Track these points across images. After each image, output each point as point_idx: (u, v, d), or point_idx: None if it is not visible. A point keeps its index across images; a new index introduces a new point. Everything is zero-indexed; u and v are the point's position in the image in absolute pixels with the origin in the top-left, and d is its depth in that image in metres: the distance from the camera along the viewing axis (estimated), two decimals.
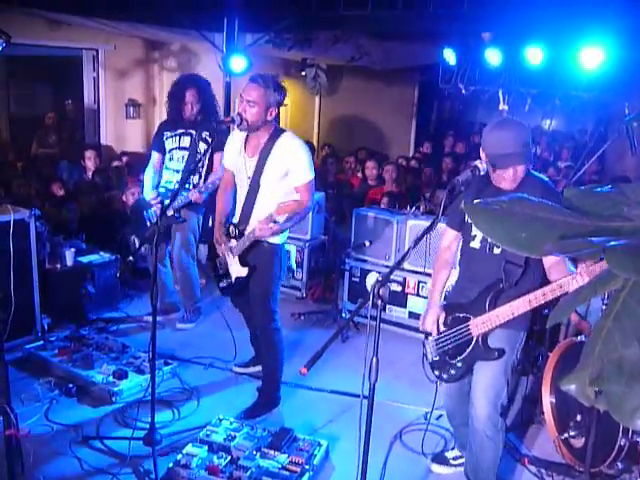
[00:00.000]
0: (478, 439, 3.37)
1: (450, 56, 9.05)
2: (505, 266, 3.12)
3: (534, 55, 8.06)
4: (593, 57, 7.52)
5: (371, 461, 2.66)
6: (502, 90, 9.10)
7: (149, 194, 5.48)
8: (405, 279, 5.80)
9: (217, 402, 4.56)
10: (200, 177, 5.37)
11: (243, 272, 4.18)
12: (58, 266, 5.70)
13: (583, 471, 3.59)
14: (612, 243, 1.10)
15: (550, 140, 12.11)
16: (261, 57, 9.34)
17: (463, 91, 9.30)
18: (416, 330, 3.63)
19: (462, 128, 13.86)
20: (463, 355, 3.30)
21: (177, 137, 5.45)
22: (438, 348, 3.40)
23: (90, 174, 8.24)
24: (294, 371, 4.33)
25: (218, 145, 5.01)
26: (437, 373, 3.44)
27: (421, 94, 13.89)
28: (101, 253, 6.09)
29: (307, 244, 6.62)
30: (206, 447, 3.80)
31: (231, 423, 4.06)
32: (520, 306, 3.01)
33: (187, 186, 5.34)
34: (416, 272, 5.72)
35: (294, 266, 6.66)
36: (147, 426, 3.90)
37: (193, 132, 5.41)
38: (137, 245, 5.69)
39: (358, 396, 2.56)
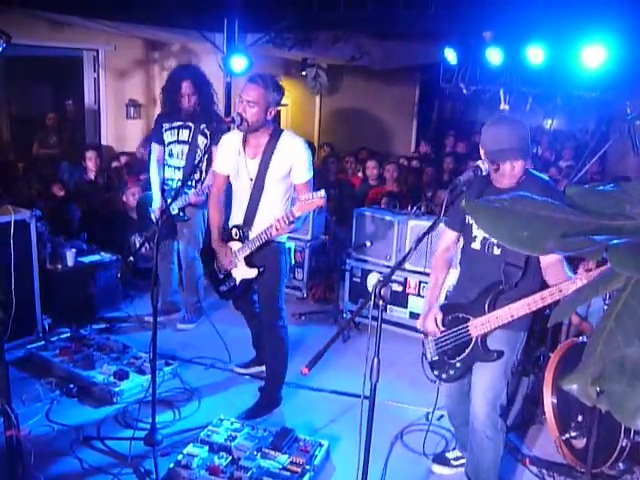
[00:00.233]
0: (478, 439, 3.37)
1: (451, 55, 9.04)
2: (505, 268, 3.11)
3: (535, 54, 8.04)
4: (595, 56, 7.51)
5: (372, 461, 2.65)
6: (503, 89, 9.08)
7: (157, 201, 5.47)
8: (406, 279, 5.79)
9: (218, 402, 4.56)
10: (201, 173, 5.36)
11: (250, 273, 4.17)
12: (59, 266, 5.70)
13: (584, 472, 3.58)
14: (614, 241, 1.10)
15: (552, 140, 12.11)
16: (261, 57, 9.33)
17: (464, 90, 9.29)
18: (417, 330, 3.61)
19: (463, 128, 13.86)
20: (462, 356, 3.30)
21: (175, 130, 5.43)
22: (437, 348, 3.40)
23: (91, 174, 8.24)
24: (295, 371, 4.32)
25: (218, 140, 5.03)
26: (436, 373, 3.44)
27: (422, 94, 13.88)
28: (102, 253, 6.09)
29: (308, 244, 6.62)
30: (207, 447, 3.79)
31: (232, 423, 4.06)
32: (519, 309, 3.01)
33: (189, 183, 5.33)
34: (417, 272, 5.71)
35: (292, 262, 6.65)
36: (148, 426, 3.90)
37: (191, 125, 5.38)
38: (137, 245, 5.68)
39: (359, 396, 2.55)
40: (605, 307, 3.99)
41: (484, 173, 3.00)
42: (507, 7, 7.10)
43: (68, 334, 5.29)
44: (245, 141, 4.09)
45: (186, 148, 5.39)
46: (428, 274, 3.77)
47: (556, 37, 7.76)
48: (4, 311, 3.16)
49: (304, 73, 11.56)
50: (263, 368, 4.62)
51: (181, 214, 5.35)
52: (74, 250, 5.81)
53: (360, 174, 9.56)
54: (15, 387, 3.63)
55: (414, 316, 5.63)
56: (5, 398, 3.14)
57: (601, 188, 1.30)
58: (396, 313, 5.86)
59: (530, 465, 3.94)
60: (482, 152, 3.10)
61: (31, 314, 5.21)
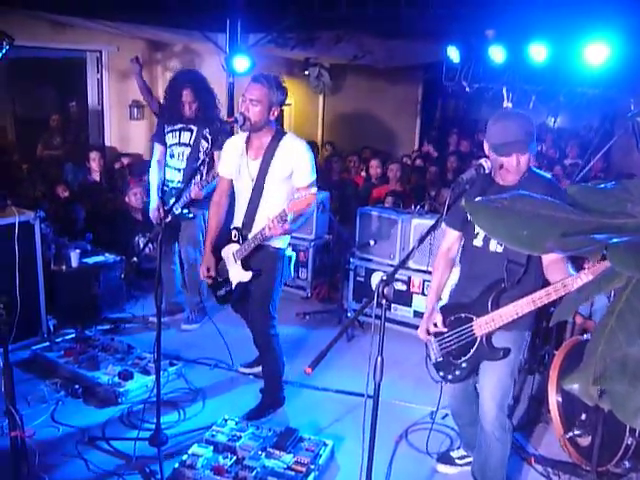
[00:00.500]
0: (487, 440, 3.36)
1: (454, 54, 9.03)
2: (507, 265, 3.10)
3: (538, 52, 8.02)
4: (598, 53, 7.48)
5: (376, 461, 2.65)
6: (506, 87, 9.07)
7: (154, 201, 5.47)
8: (410, 278, 5.79)
9: (222, 402, 4.56)
10: (202, 176, 5.37)
11: (246, 277, 4.15)
12: (63, 267, 5.71)
13: (590, 470, 3.58)
14: (615, 240, 1.09)
15: (555, 137, 12.07)
16: (264, 57, 9.33)
17: (467, 89, 9.28)
18: None
19: (466, 126, 13.82)
20: (467, 356, 3.29)
21: (177, 132, 5.43)
22: (442, 349, 3.39)
23: (94, 175, 8.25)
24: (299, 371, 4.33)
25: (218, 142, 5.04)
26: (442, 374, 3.43)
27: (425, 92, 13.85)
28: (106, 254, 6.10)
29: (312, 244, 6.62)
30: (211, 447, 3.80)
31: (236, 423, 4.07)
32: (524, 306, 3.00)
33: (191, 187, 5.34)
34: (421, 271, 5.71)
35: (292, 273, 6.64)
36: (153, 427, 3.91)
37: (194, 128, 5.39)
38: (141, 246, 5.69)
39: (363, 396, 2.55)
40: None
41: (487, 171, 2.99)
42: (509, 5, 7.09)
43: (73, 335, 5.31)
44: (248, 142, 4.09)
45: (187, 150, 5.40)
46: (431, 273, 3.77)
47: (559, 35, 7.74)
48: (9, 312, 3.16)
49: (307, 73, 11.56)
50: None
51: (184, 212, 5.36)
52: (78, 251, 5.82)
53: (363, 173, 9.55)
54: (20, 388, 3.65)
55: (418, 315, 5.62)
56: (10, 399, 3.15)
57: (602, 186, 1.29)
58: (400, 312, 5.86)
59: (535, 464, 3.94)
60: (486, 146, 3.09)
61: (36, 315, 5.22)
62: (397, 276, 3.04)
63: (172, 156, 5.47)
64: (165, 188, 5.52)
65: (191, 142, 5.39)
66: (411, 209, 6.10)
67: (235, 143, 4.16)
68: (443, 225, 3.42)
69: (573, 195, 1.27)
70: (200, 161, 5.27)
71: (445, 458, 3.95)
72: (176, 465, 3.63)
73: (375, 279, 5.99)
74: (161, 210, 5.42)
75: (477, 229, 3.28)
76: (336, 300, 6.35)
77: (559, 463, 3.93)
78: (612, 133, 8.25)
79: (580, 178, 5.25)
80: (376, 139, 12.58)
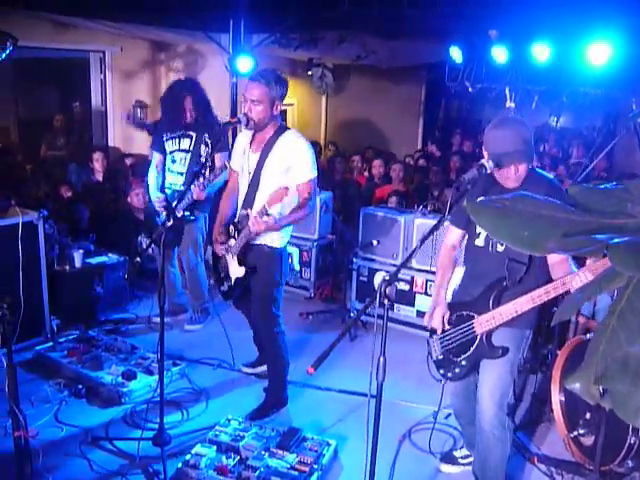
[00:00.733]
0: (485, 439, 3.36)
1: (456, 54, 9.03)
2: (508, 264, 3.11)
3: (541, 52, 8.03)
4: (600, 53, 7.49)
5: (379, 460, 2.66)
6: (509, 88, 9.08)
7: (155, 196, 5.49)
8: (413, 278, 5.79)
9: (226, 402, 4.57)
10: (204, 178, 5.36)
11: (240, 272, 4.16)
12: (67, 268, 5.72)
13: (593, 469, 3.58)
14: (615, 240, 1.10)
15: (558, 137, 12.07)
16: (267, 57, 9.34)
17: (470, 89, 9.28)
18: (424, 329, 3.62)
19: (470, 126, 13.82)
20: (467, 353, 3.29)
21: (177, 139, 5.45)
22: (442, 347, 3.40)
23: (98, 176, 8.26)
24: (302, 371, 4.32)
25: (218, 146, 5.05)
26: (442, 372, 3.44)
27: (428, 92, 13.85)
28: (109, 254, 6.11)
29: (315, 244, 6.62)
30: (215, 447, 3.80)
31: (240, 423, 4.07)
32: (524, 304, 3.01)
33: (192, 187, 5.34)
34: (424, 271, 5.71)
35: (297, 267, 6.67)
36: (156, 427, 3.91)
37: (193, 134, 5.40)
38: (144, 246, 5.70)
39: (366, 395, 2.55)
40: None
41: (488, 171, 2.99)
42: (512, 5, 7.09)
43: (76, 335, 5.32)
44: (253, 137, 4.11)
45: (188, 156, 5.41)
46: (435, 272, 3.78)
47: (561, 35, 7.74)
48: (12, 313, 3.17)
49: (310, 73, 11.56)
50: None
51: (186, 214, 5.36)
52: (81, 251, 5.83)
53: (366, 173, 9.56)
54: (24, 388, 3.66)
55: (421, 314, 5.60)
56: (14, 399, 3.16)
57: (603, 187, 1.29)
58: (403, 312, 5.86)
59: (538, 463, 3.93)
60: (485, 155, 3.09)
61: (39, 315, 5.23)
62: (400, 276, 3.05)
63: (174, 161, 5.48)
64: (167, 191, 5.52)
65: (191, 148, 5.41)
66: (414, 209, 6.11)
67: (242, 138, 4.20)
68: (446, 223, 3.43)
69: (574, 195, 1.28)
70: (201, 164, 5.28)
71: (448, 458, 3.95)
72: (179, 465, 3.63)
73: (378, 279, 5.99)
74: (163, 209, 5.42)
75: (479, 229, 3.29)
76: (339, 300, 6.35)
77: (562, 462, 3.92)
78: (615, 133, 8.25)
79: (583, 178, 5.25)
80: (379, 139, 12.59)
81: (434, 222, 2.84)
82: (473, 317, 3.24)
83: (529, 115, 8.67)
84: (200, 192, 5.21)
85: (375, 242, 5.99)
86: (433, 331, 3.43)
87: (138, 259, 4.30)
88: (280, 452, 3.77)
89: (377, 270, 6.03)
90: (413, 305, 5.82)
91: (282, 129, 4.05)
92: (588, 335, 4.21)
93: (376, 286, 5.93)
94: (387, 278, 2.48)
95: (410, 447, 4.11)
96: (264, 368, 4.75)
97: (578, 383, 1.16)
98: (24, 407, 3.31)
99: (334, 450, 3.91)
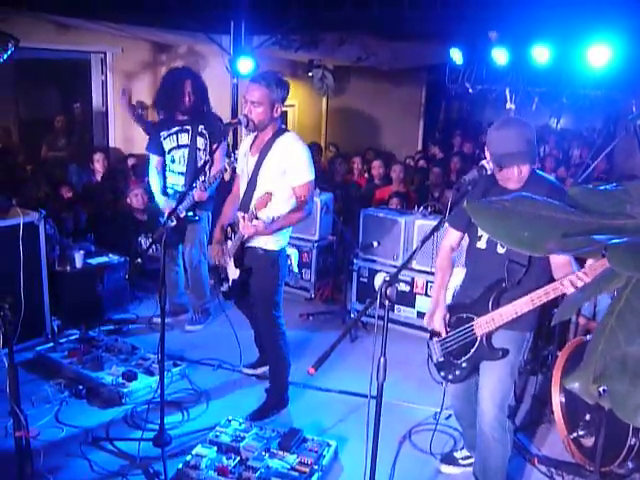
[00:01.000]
0: (486, 441, 3.36)
1: (457, 56, 9.05)
2: (508, 265, 3.11)
3: (541, 54, 8.05)
4: (600, 55, 7.51)
5: (380, 461, 2.67)
6: (509, 89, 9.09)
7: (162, 203, 5.49)
8: (413, 279, 5.80)
9: (226, 403, 4.57)
10: (205, 176, 5.37)
11: (236, 274, 4.17)
12: (68, 268, 5.73)
13: (593, 470, 3.58)
14: (614, 241, 1.10)
15: (559, 139, 12.08)
16: (268, 59, 9.35)
17: (470, 90, 9.30)
18: (425, 330, 3.62)
19: (470, 127, 13.84)
20: (468, 355, 3.30)
21: (174, 135, 5.45)
22: (443, 349, 3.40)
23: (99, 177, 8.27)
24: (303, 372, 4.32)
25: (217, 139, 5.06)
26: (443, 374, 3.44)
27: (428, 94, 13.85)
28: (110, 255, 6.12)
29: (315, 245, 6.63)
30: (215, 448, 3.81)
31: (240, 424, 4.07)
32: (523, 305, 3.01)
33: (194, 185, 5.35)
34: (424, 272, 5.72)
35: (295, 269, 6.67)
36: (157, 427, 3.92)
37: (189, 128, 5.41)
38: (145, 246, 5.71)
39: (367, 396, 2.56)
40: None
41: (489, 172, 3.00)
42: (512, 7, 7.10)
43: (77, 335, 5.32)
44: (254, 140, 4.12)
45: (186, 151, 5.42)
46: (434, 273, 3.80)
47: (561, 37, 7.76)
48: (13, 313, 3.17)
49: (310, 74, 11.56)
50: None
51: (190, 214, 5.37)
52: (82, 252, 5.84)
53: (367, 174, 9.56)
54: (24, 388, 3.66)
55: (422, 316, 5.60)
56: (15, 399, 3.16)
57: (603, 188, 1.30)
58: (404, 313, 5.87)
59: (539, 464, 3.94)
60: (488, 155, 3.09)
61: (40, 316, 5.24)
62: (400, 277, 3.05)
63: (173, 161, 5.49)
64: (169, 192, 5.53)
65: (189, 142, 5.41)
66: (414, 210, 6.12)
67: (246, 142, 4.22)
68: (446, 225, 3.43)
69: (574, 196, 1.28)
70: (202, 161, 5.29)
71: (449, 459, 3.95)
72: (180, 465, 3.64)
73: (378, 280, 5.99)
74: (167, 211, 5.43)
75: (480, 231, 3.29)
76: (339, 301, 6.36)
77: (562, 463, 3.93)
78: (615, 134, 8.25)
79: (583, 179, 5.26)
80: (379, 141, 12.60)
81: (434, 223, 2.84)
82: (473, 319, 3.25)
83: (529, 116, 8.68)
84: (202, 193, 5.22)
85: (375, 243, 6.00)
86: (434, 334, 3.44)
87: (139, 260, 4.30)
88: (280, 453, 3.78)
89: (377, 271, 6.03)
90: (413, 306, 5.83)
91: (280, 132, 4.05)
92: (588, 336, 4.21)
93: (376, 287, 5.94)
94: (388, 279, 2.49)
95: (410, 448, 4.11)
96: (265, 369, 4.76)
97: (577, 382, 1.17)
98: (25, 407, 3.31)
99: (334, 451, 3.92)
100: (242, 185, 4.19)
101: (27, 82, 11.09)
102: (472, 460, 3.80)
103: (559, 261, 3.01)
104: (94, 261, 5.96)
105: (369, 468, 2.63)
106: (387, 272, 5.83)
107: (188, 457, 3.71)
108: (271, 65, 9.37)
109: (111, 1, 7.69)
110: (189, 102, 5.37)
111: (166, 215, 5.31)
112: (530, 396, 4.66)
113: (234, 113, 8.82)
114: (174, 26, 8.67)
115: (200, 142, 5.39)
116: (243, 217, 3.91)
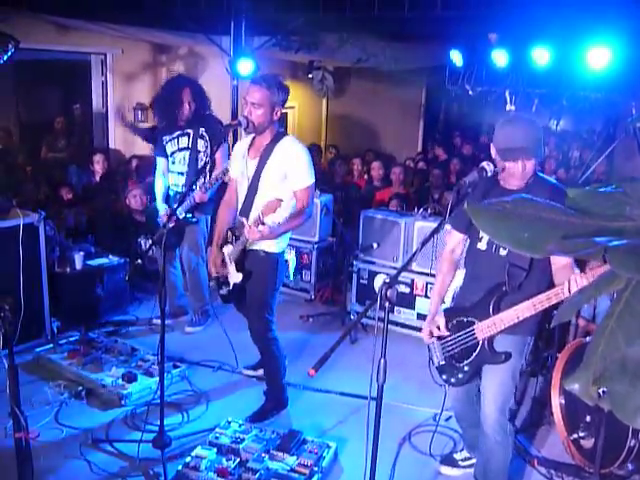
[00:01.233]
0: (488, 443, 3.36)
1: (457, 57, 9.05)
2: (509, 269, 3.11)
3: (541, 56, 8.05)
4: (600, 57, 7.51)
5: (380, 463, 2.66)
6: (509, 91, 9.09)
7: (161, 207, 5.51)
8: (413, 281, 5.80)
9: (226, 404, 4.57)
10: (205, 177, 5.38)
11: (238, 278, 4.16)
12: (67, 269, 5.73)
13: (593, 472, 3.58)
14: (614, 243, 1.11)
15: (558, 140, 12.08)
16: (268, 60, 9.36)
17: (470, 92, 9.30)
18: None
19: (469, 129, 13.83)
20: (470, 359, 3.29)
21: (175, 139, 5.47)
22: (444, 352, 3.40)
23: (98, 178, 8.27)
24: (302, 373, 4.33)
25: (218, 142, 5.06)
26: (445, 377, 3.43)
27: (428, 96, 13.85)
28: (110, 256, 6.12)
29: (315, 246, 6.63)
30: (215, 449, 3.81)
31: (240, 425, 4.07)
32: (525, 310, 3.01)
33: (194, 187, 5.35)
34: (424, 274, 5.71)
35: (291, 277, 6.68)
36: (156, 429, 3.92)
37: (190, 131, 5.43)
38: (144, 247, 5.71)
39: (367, 398, 2.56)
40: None
41: (489, 174, 3.00)
42: (512, 9, 7.11)
43: (77, 337, 5.32)
44: (251, 143, 4.11)
45: (187, 154, 5.44)
46: (435, 275, 3.81)
47: (561, 38, 7.77)
48: (13, 314, 3.17)
49: (311, 76, 11.57)
50: None
51: (188, 216, 5.37)
52: (82, 253, 5.84)
53: (367, 176, 9.56)
54: (24, 390, 3.64)
55: (421, 317, 5.63)
56: (14, 401, 3.16)
57: (602, 190, 1.30)
58: (403, 314, 5.87)
59: (539, 466, 3.94)
60: (493, 150, 3.09)
61: (40, 317, 5.24)
62: (400, 278, 3.05)
63: (174, 162, 5.50)
64: (170, 193, 5.54)
65: (189, 145, 5.43)
66: (414, 212, 6.12)
67: (241, 144, 4.20)
68: (448, 227, 3.43)
69: (574, 198, 1.28)
70: (203, 162, 5.30)
71: (448, 460, 3.95)
72: (180, 467, 3.64)
73: (378, 282, 6.00)
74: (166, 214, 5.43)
75: (482, 233, 3.29)
76: (339, 302, 6.36)
77: (562, 465, 3.93)
78: (614, 137, 8.26)
79: (583, 181, 5.26)
80: (379, 142, 12.61)
81: (434, 225, 2.85)
82: (474, 323, 3.24)
83: None
84: (203, 194, 5.23)
85: (375, 245, 6.00)
86: (437, 337, 3.43)
87: (139, 261, 4.30)
88: (280, 454, 3.78)
89: (377, 273, 6.04)
90: (413, 308, 5.83)
91: (280, 135, 4.05)
92: (588, 338, 4.21)
93: (376, 289, 5.94)
94: (388, 281, 2.49)
95: (410, 450, 4.11)
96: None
97: (577, 384, 1.17)
98: (25, 408, 3.30)
99: (334, 452, 3.92)
100: (241, 189, 4.18)
101: (27, 83, 11.10)
102: (472, 461, 3.80)
103: (560, 265, 3.01)
104: (94, 262, 5.96)
105: (369, 469, 2.63)
106: (387, 274, 5.83)
107: (188, 458, 3.71)
108: (271, 66, 9.40)
109: (111, 2, 7.71)
110: (189, 110, 5.38)
111: (166, 218, 5.34)
112: (530, 398, 4.65)
113: (234, 114, 8.82)
114: (174, 27, 8.68)
115: (201, 145, 5.40)
116: (250, 223, 3.87)
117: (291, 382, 4.55)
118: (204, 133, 5.40)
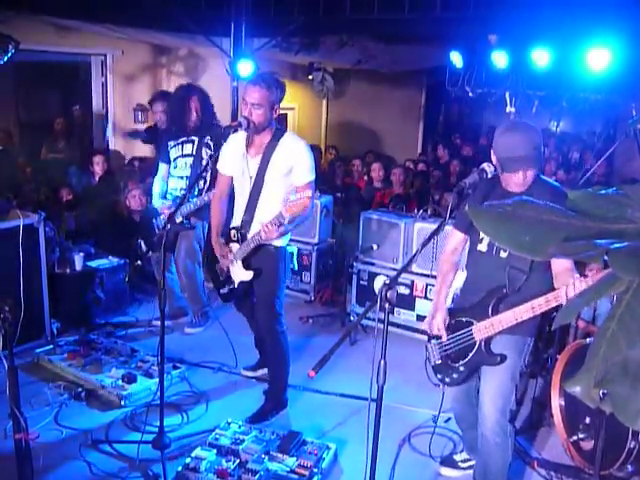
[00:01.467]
0: (487, 445, 3.36)
1: (457, 59, 9.05)
2: (509, 271, 3.11)
3: (541, 57, 8.05)
4: (600, 58, 7.51)
5: (379, 464, 2.66)
6: (509, 92, 9.09)
7: (158, 202, 5.52)
8: (413, 282, 5.80)
9: (226, 405, 4.57)
10: (205, 182, 5.37)
11: (247, 276, 4.18)
12: (67, 271, 5.73)
13: (593, 474, 3.58)
14: (615, 245, 1.11)
15: (558, 142, 12.08)
16: (268, 61, 9.36)
17: (470, 94, 9.30)
18: (424, 333, 3.62)
19: (469, 131, 13.84)
20: (466, 359, 3.30)
21: (180, 145, 5.49)
22: (441, 352, 3.40)
23: (98, 179, 8.27)
24: (302, 374, 4.32)
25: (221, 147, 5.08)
26: (440, 377, 3.44)
27: (428, 97, 13.86)
28: (110, 257, 6.11)
29: (315, 247, 6.63)
30: (215, 450, 3.81)
31: (240, 426, 4.07)
32: (523, 312, 3.01)
33: (194, 192, 5.36)
34: (424, 275, 5.71)
35: (295, 267, 6.68)
36: (156, 430, 3.91)
37: (195, 139, 5.44)
38: (145, 249, 5.71)
39: (366, 399, 2.56)
40: None
41: (489, 176, 3.00)
42: (512, 10, 7.11)
43: (76, 338, 5.31)
44: (248, 141, 4.11)
45: (190, 160, 5.45)
46: (435, 277, 3.81)
47: (561, 40, 7.76)
48: (13, 315, 3.17)
49: (311, 77, 11.58)
50: None
51: (185, 221, 5.37)
52: (82, 254, 5.84)
53: (366, 177, 9.56)
54: (24, 391, 3.64)
55: (421, 319, 5.63)
56: (14, 402, 3.16)
57: (603, 192, 1.30)
58: (403, 316, 5.87)
59: (538, 467, 3.94)
60: (494, 159, 3.08)
61: (40, 318, 5.23)
62: (400, 280, 3.05)
63: (176, 167, 5.51)
64: (168, 197, 5.55)
65: (193, 152, 5.44)
66: (414, 213, 6.12)
67: (236, 142, 4.16)
68: (448, 227, 3.42)
69: (574, 200, 1.28)
70: (203, 167, 5.29)
71: (448, 461, 3.95)
72: (179, 468, 3.63)
73: (378, 283, 6.00)
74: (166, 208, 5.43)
75: (482, 234, 3.29)
76: (339, 304, 6.36)
77: (562, 467, 3.93)
78: (615, 138, 8.26)
79: (583, 183, 5.26)
80: (379, 143, 12.61)
81: (434, 226, 2.85)
82: (472, 323, 3.25)
83: (529, 120, 8.67)
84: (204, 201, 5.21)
85: (375, 246, 6.00)
86: (434, 337, 3.43)
87: (139, 262, 4.31)
88: (280, 455, 3.78)
89: (377, 274, 6.03)
90: (413, 309, 5.83)
91: (280, 132, 4.07)
92: (588, 339, 4.21)
93: (376, 290, 5.94)
94: (388, 282, 2.49)
95: (410, 451, 4.11)
96: (264, 371, 4.76)
97: (578, 386, 1.17)
98: (24, 409, 3.30)
99: (334, 454, 3.92)
100: (242, 188, 4.18)
101: (27, 84, 11.11)
102: (472, 463, 3.80)
103: (560, 269, 3.00)
104: (94, 263, 5.96)
105: (369, 471, 2.63)
106: (387, 275, 5.83)
107: (187, 460, 3.70)
108: (271, 67, 9.35)
109: (111, 3, 7.71)
110: (196, 118, 5.41)
111: (166, 218, 5.35)
112: (530, 399, 4.65)
113: (234, 115, 8.83)
114: (174, 28, 8.69)
115: (205, 153, 5.41)
116: (268, 223, 3.84)
117: (291, 383, 4.54)
118: (209, 142, 5.40)
